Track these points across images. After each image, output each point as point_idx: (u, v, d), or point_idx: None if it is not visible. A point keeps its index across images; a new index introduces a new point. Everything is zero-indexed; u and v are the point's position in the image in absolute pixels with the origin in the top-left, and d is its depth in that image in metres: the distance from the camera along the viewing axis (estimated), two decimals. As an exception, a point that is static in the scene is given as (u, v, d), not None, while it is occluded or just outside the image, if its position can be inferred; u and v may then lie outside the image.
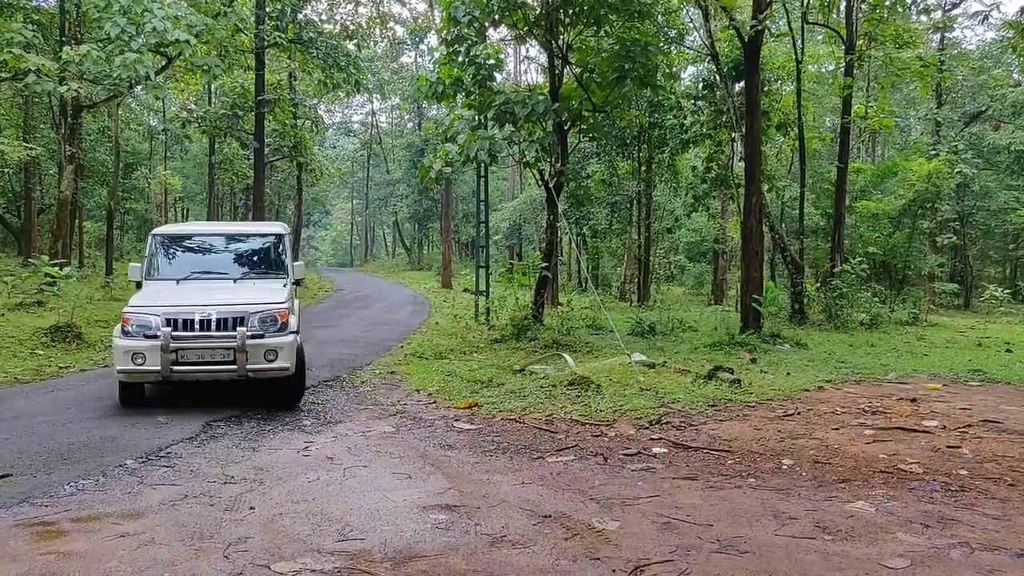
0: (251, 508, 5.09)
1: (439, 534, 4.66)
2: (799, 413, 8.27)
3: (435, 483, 5.80)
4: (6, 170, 26.54)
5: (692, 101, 20.63)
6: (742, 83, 17.67)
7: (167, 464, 6.08)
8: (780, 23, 20.11)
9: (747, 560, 4.31)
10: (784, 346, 13.57)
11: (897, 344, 14.86)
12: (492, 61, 13.92)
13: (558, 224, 16.18)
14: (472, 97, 14.44)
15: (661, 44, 15.50)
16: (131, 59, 12.96)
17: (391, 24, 37.06)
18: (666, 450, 6.79)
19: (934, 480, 5.92)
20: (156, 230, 9.29)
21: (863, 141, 31.91)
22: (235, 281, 8.73)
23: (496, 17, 13.81)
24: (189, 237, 9.41)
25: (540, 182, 16.20)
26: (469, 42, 13.85)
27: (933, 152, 26.91)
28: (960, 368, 11.74)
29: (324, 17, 27.30)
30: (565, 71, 15.21)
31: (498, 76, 14.82)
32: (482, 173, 18.08)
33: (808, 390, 9.64)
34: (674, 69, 19.83)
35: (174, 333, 7.54)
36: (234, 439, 6.94)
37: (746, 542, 4.59)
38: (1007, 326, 19.80)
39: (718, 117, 19.41)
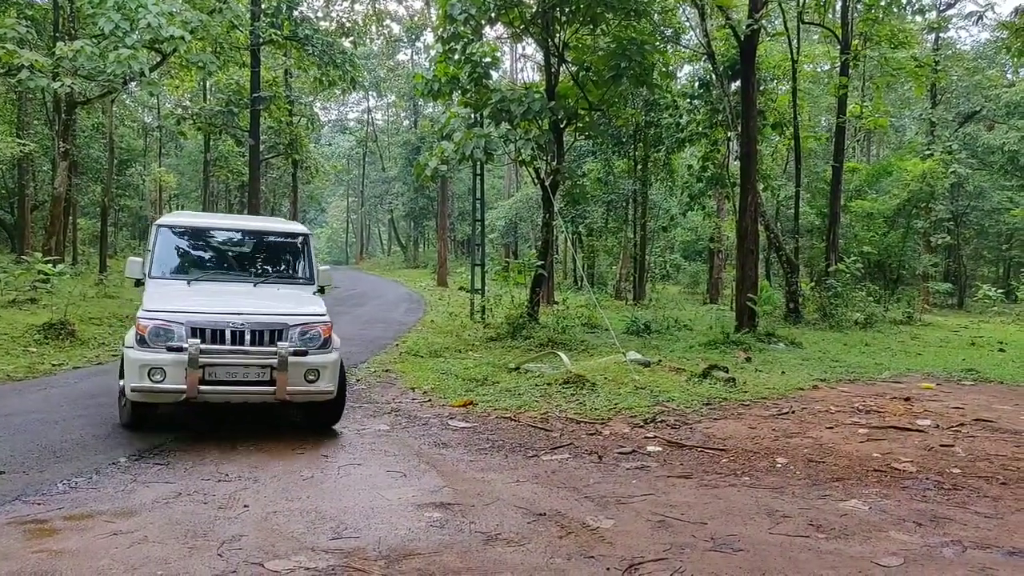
0: (245, 506, 5.07)
1: (433, 532, 4.66)
2: (793, 412, 8.29)
3: (429, 481, 5.79)
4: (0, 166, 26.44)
5: (688, 100, 20.65)
6: (738, 82, 17.69)
7: (161, 462, 6.06)
8: (776, 22, 20.12)
9: (741, 558, 4.32)
10: (779, 345, 13.59)
11: (891, 343, 14.91)
12: (488, 59, 13.91)
13: (554, 222, 16.18)
14: (468, 95, 14.43)
15: (657, 43, 15.50)
16: (125, 55, 12.91)
17: (387, 21, 37.05)
18: (661, 448, 6.79)
19: (927, 479, 5.94)
20: (161, 220, 7.98)
21: (858, 141, 31.98)
22: (255, 285, 7.59)
23: (492, 15, 13.80)
24: (201, 231, 8.10)
25: (536, 180, 16.20)
26: (465, 40, 13.84)
27: (928, 152, 26.97)
28: (954, 367, 11.78)
29: (320, 14, 27.30)
30: (561, 69, 15.21)
31: (494, 74, 14.81)
32: (478, 171, 18.07)
33: (803, 389, 9.67)
34: (670, 68, 19.83)
35: (202, 346, 6.38)
36: (228, 436, 6.90)
37: (740, 540, 4.59)
38: (1000, 326, 19.88)
39: (714, 116, 19.43)
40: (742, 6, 17.00)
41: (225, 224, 8.55)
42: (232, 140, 26.45)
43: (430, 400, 8.84)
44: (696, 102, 20.30)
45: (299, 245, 8.23)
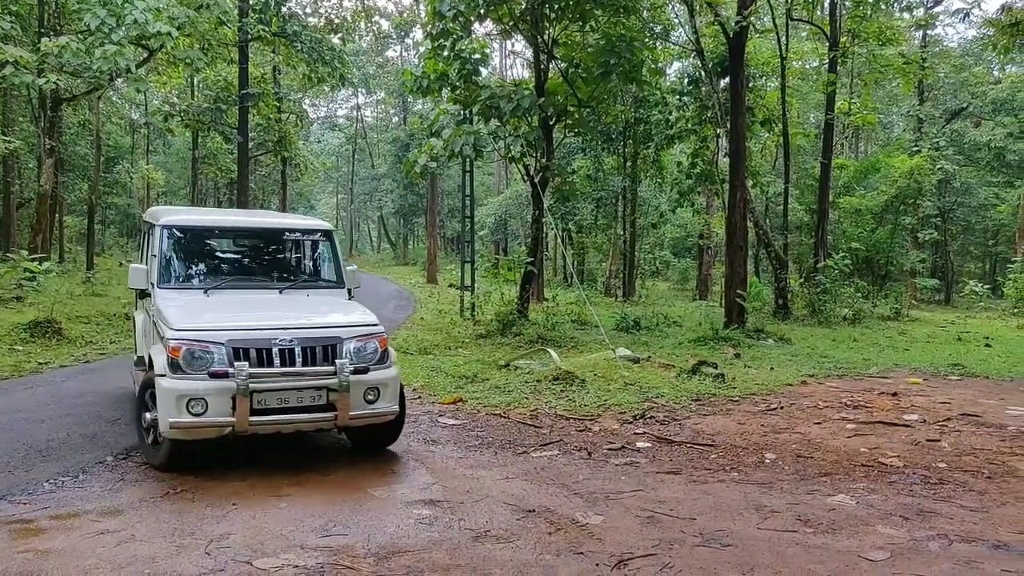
0: (233, 504, 5.05)
1: (422, 529, 4.65)
2: (782, 407, 8.33)
3: (419, 478, 5.79)
4: (-16, 163, 26.18)
5: (677, 97, 20.68)
6: (727, 79, 17.72)
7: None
8: (765, 19, 20.18)
9: (729, 553, 4.34)
10: (768, 341, 13.65)
11: (879, 339, 15.00)
12: (477, 55, 13.88)
13: (543, 219, 16.19)
14: (457, 91, 14.40)
15: (646, 39, 15.52)
16: (111, 51, 12.81)
17: (376, 18, 36.91)
18: (650, 444, 6.81)
19: (914, 473, 5.98)
20: (163, 219, 6.79)
21: (847, 137, 32.16)
22: (280, 292, 6.71)
23: (481, 11, 13.78)
24: (210, 231, 7.13)
25: (526, 177, 16.20)
26: (454, 36, 13.80)
27: (915, 148, 27.15)
28: (940, 362, 11.87)
29: (308, 11, 27.17)
30: (551, 66, 15.20)
31: (483, 71, 14.78)
32: (467, 168, 18.04)
33: (791, 385, 9.72)
34: (659, 65, 19.89)
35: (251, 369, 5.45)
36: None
37: (728, 535, 4.61)
38: (986, 321, 20.04)
39: (703, 113, 19.46)
40: (731, 3, 17.03)
41: (237, 222, 7.58)
42: (220, 137, 26.34)
43: (419, 397, 8.82)
44: (685, 99, 20.34)
45: (322, 243, 7.29)
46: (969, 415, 8.01)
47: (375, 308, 6.97)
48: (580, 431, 7.25)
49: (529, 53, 17.16)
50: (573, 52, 14.80)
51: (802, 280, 19.86)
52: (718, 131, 19.51)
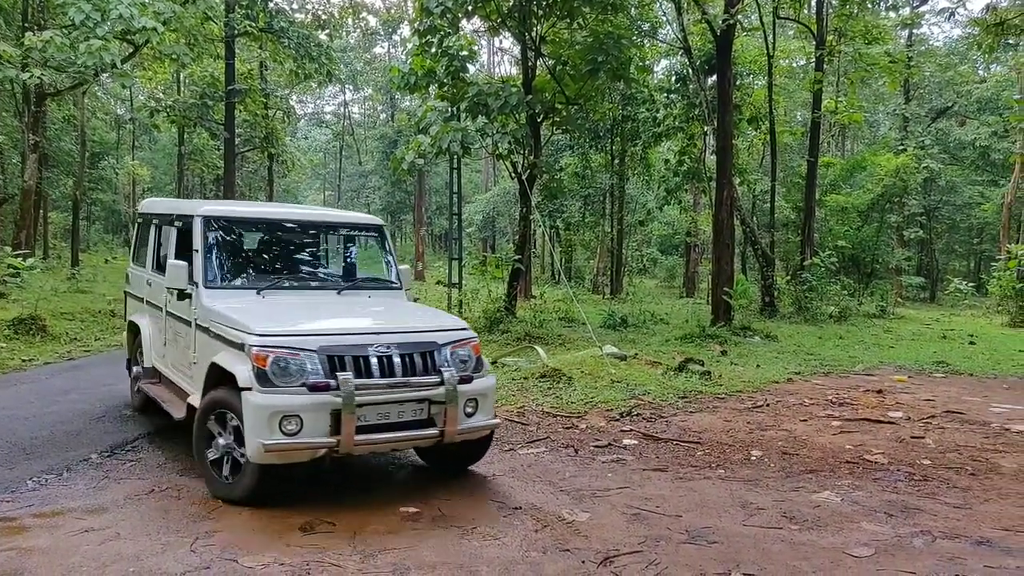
0: (219, 502, 5.03)
1: (408, 526, 4.65)
2: (768, 405, 8.37)
3: (405, 475, 5.78)
4: (-33, 159, 25.88)
5: (665, 94, 20.73)
6: (714, 77, 17.78)
7: (133, 458, 5.98)
8: (752, 18, 20.24)
9: (715, 550, 4.36)
10: (754, 338, 13.72)
11: (865, 336, 15.10)
12: (465, 52, 13.84)
13: (531, 217, 16.18)
14: (445, 88, 14.36)
15: (634, 37, 15.51)
16: (96, 46, 12.67)
17: (364, 14, 36.72)
18: (636, 442, 6.83)
19: (898, 470, 6.03)
20: (201, 209, 5.99)
21: (833, 136, 32.32)
22: (339, 293, 6.17)
23: (469, 8, 13.74)
24: (256, 224, 6.45)
25: (513, 174, 16.18)
26: (442, 33, 13.75)
27: (901, 147, 27.34)
28: (925, 360, 11.97)
29: (295, 6, 26.93)
30: (538, 63, 15.19)
31: (471, 67, 14.75)
32: (455, 165, 17.99)
33: (777, 382, 9.77)
34: (647, 62, 19.91)
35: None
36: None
37: (714, 532, 4.64)
38: (971, 319, 20.23)
39: (690, 111, 19.52)
40: (718, 1, 17.07)
41: (285, 214, 6.70)
42: (207, 133, 26.16)
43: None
44: (673, 96, 20.39)
45: (376, 240, 6.79)
46: (953, 412, 8.08)
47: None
48: (567, 428, 7.26)
49: (517, 50, 17.14)
50: (561, 49, 14.80)
51: (789, 278, 19.96)
52: (705, 129, 19.58)
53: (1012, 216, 23.09)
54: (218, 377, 5.06)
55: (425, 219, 38.57)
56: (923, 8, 29.07)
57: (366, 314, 5.86)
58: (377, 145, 48.38)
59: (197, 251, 5.74)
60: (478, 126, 14.26)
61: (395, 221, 52.96)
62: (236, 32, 21.84)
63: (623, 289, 26.07)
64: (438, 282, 27.50)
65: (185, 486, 5.32)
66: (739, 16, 14.95)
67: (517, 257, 15.07)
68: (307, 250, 6.70)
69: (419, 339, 5.18)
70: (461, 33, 14.62)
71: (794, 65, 26.13)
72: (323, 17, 25.66)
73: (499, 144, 14.17)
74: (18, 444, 6.23)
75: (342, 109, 58.40)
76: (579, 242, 29.88)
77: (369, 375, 4.85)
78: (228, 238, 6.07)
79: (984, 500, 5.33)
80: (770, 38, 19.23)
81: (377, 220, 6.99)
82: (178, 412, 5.78)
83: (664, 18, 21.41)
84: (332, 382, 4.72)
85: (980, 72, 32.21)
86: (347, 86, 52.62)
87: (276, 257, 6.45)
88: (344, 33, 33.19)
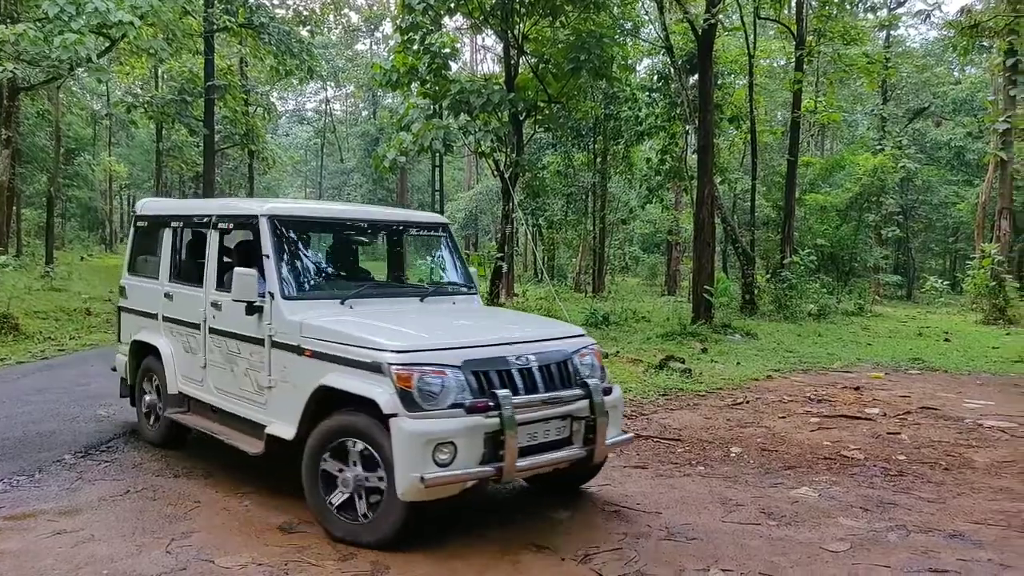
0: (196, 502, 4.98)
1: (389, 526, 4.62)
2: (748, 402, 8.43)
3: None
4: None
5: (647, 93, 20.78)
6: (696, 76, 17.85)
7: (108, 459, 5.90)
8: (733, 17, 20.34)
9: (694, 547, 4.38)
10: (735, 336, 13.81)
11: (843, 334, 15.25)
12: (447, 50, 13.81)
13: (514, 215, 16.18)
14: (427, 86, 14.33)
15: (616, 36, 15.56)
16: (71, 40, 12.47)
17: (345, 10, 36.56)
18: (617, 439, 6.84)
19: (874, 465, 6.09)
20: (265, 208, 5.20)
21: (812, 135, 32.60)
22: (422, 300, 5.61)
23: (451, 5, 13.73)
24: (326, 224, 5.90)
25: (496, 172, 16.17)
26: (424, 30, 13.72)
27: (879, 147, 27.62)
28: (901, 357, 12.11)
29: (276, 1, 26.76)
30: (521, 61, 15.19)
31: (453, 65, 14.73)
32: (437, 163, 17.98)
33: (757, 379, 9.84)
34: (629, 61, 19.95)
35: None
36: (180, 432, 6.76)
37: (693, 529, 4.66)
38: (946, 316, 20.49)
39: (672, 110, 19.59)
40: (699, 0, 17.14)
41: (350, 214, 6.05)
42: (186, 130, 25.85)
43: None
44: (655, 95, 20.45)
45: (444, 241, 6.21)
46: (928, 408, 8.18)
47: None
48: (548, 426, 7.25)
49: (499, 48, 17.13)
50: (543, 47, 14.83)
51: (769, 276, 20.10)
52: (687, 128, 19.66)
53: (986, 215, 23.40)
54: (323, 402, 4.45)
55: (407, 217, 38.34)
56: (900, 10, 29.42)
57: (480, 323, 5.35)
58: (359, 142, 48.20)
59: (267, 257, 4.96)
60: (460, 124, 14.24)
61: (377, 219, 52.73)
62: (215, 27, 21.62)
63: (605, 287, 26.15)
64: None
65: (161, 487, 5.26)
66: (720, 16, 15.04)
67: (499, 255, 15.07)
68: (382, 253, 6.25)
69: (554, 348, 4.71)
70: (443, 30, 14.58)
71: (774, 65, 26.34)
72: (304, 13, 25.52)
73: (481, 142, 14.15)
74: (-10, 444, 6.13)
75: (324, 106, 58.08)
76: (561, 240, 29.92)
77: (515, 391, 4.29)
78: (299, 241, 5.35)
79: (957, 494, 5.39)
80: (751, 38, 19.35)
81: (442, 218, 6.43)
82: (253, 447, 4.94)
83: (646, 17, 21.48)
84: (488, 401, 4.15)
85: (955, 74, 32.65)
86: (329, 83, 52.31)
87: (350, 262, 5.93)
88: (326, 29, 33.00)
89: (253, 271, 4.92)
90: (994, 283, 18.02)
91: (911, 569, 4.11)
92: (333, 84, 53.45)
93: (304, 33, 24.36)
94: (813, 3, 19.37)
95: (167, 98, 23.52)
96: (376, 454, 4.17)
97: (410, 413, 4.03)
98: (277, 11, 24.45)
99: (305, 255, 5.42)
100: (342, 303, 5.05)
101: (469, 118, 13.97)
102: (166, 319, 6.05)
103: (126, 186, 42.63)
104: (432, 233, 6.28)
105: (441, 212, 18.00)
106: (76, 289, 17.75)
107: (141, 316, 6.41)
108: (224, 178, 36.09)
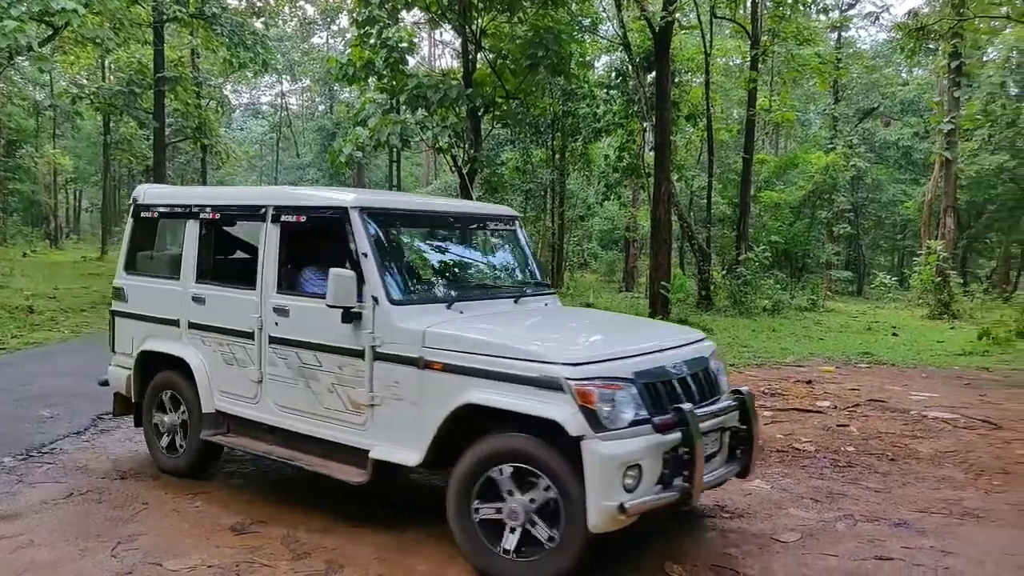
0: (144, 504, 4.85)
1: (345, 523, 4.56)
2: (703, 396, 8.52)
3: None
4: None
5: (605, 90, 20.90)
6: (653, 74, 18.01)
7: (51, 461, 5.71)
8: (690, 16, 20.58)
9: (650, 542, 4.41)
10: (690, 331, 13.96)
11: (796, 329, 15.56)
12: (405, 44, 13.71)
13: (472, 210, 16.09)
14: (384, 80, 14.20)
15: (574, 32, 15.60)
16: (10, 27, 12.02)
17: (301, 2, 36.01)
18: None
19: (824, 457, 6.22)
20: (349, 199, 4.60)
21: (767, 133, 33.17)
22: (516, 302, 5.09)
23: (408, -1, 13.62)
24: (418, 217, 5.35)
25: (454, 168, 16.10)
26: (381, 24, 13.59)
27: (830, 146, 28.20)
28: (851, 351, 12.40)
29: (229, -9, 26.18)
30: (479, 57, 15.14)
31: (411, 60, 14.64)
32: (395, 158, 17.83)
33: (712, 373, 9.95)
34: (587, 58, 20.04)
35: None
36: (129, 431, 6.56)
37: (648, 522, 4.69)
38: (894, 311, 21.06)
39: (630, 107, 19.73)
40: (657, -1, 17.29)
41: (437, 208, 5.67)
42: (135, 122, 25.18)
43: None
44: (612, 92, 20.56)
45: (517, 234, 5.68)
46: (876, 401, 8.39)
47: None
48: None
49: (457, 43, 17.04)
50: (501, 43, 14.81)
51: (724, 272, 20.40)
52: (644, 125, 19.83)
53: (932, 213, 24.10)
54: (457, 422, 3.96)
55: (365, 213, 37.92)
56: (851, 12, 30.09)
57: (616, 328, 5.03)
58: (315, 137, 47.54)
59: (365, 256, 4.36)
60: (418, 119, 14.14)
61: (334, 215, 52.09)
62: (165, 17, 21.08)
63: (564, 283, 26.25)
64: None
65: (107, 489, 5.11)
66: (677, 14, 15.18)
67: (457, 251, 15.00)
68: (470, 251, 5.63)
69: (698, 354, 4.37)
70: (401, 25, 14.46)
71: (730, 64, 26.70)
72: (258, 4, 25.03)
73: (439, 138, 14.08)
74: (-75, 447, 5.89)
75: (279, 100, 57.13)
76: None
77: (676, 402, 3.93)
78: (394, 238, 4.80)
79: (903, 484, 5.54)
80: (707, 37, 19.59)
81: (511, 210, 5.96)
82: (354, 475, 4.34)
83: (604, 14, 21.58)
84: (673, 418, 3.79)
85: (903, 75, 33.53)
86: (284, 76, 51.43)
87: (451, 261, 5.41)
88: (281, 22, 32.44)
89: (351, 273, 4.30)
90: (939, 279, 18.55)
91: (858, 557, 4.21)
92: (289, 78, 52.56)
93: (258, 25, 23.87)
94: (768, 3, 19.69)
95: (114, 89, 22.88)
96: (550, 482, 3.68)
97: (598, 435, 3.59)
98: (230, 2, 23.92)
99: (403, 254, 4.90)
100: (448, 307, 4.54)
101: (427, 113, 13.89)
102: (195, 326, 5.21)
103: (72, 180, 41.33)
104: (507, 227, 5.66)
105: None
106: (18, 286, 17.14)
107: (151, 322, 5.49)
108: (176, 172, 35.26)
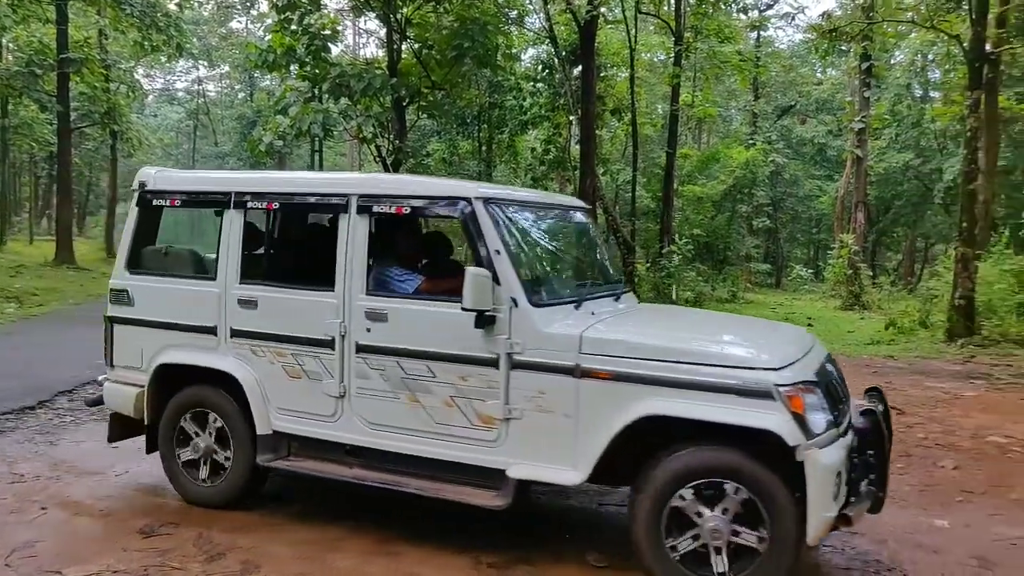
0: (43, 509, 4.56)
1: (262, 522, 4.40)
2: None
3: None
4: None
5: (531, 83, 20.93)
6: (579, 68, 18.13)
7: (-61, 465, 5.32)
8: (616, 11, 20.79)
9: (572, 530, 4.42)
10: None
11: (716, 319, 15.96)
12: (327, 31, 13.39)
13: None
14: (306, 68, 13.84)
15: (501, 24, 15.54)
16: None
17: (219, -15, 34.69)
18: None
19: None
20: (476, 191, 4.15)
21: (690, 128, 33.90)
22: (616, 299, 4.65)
23: (331, -16, 13.27)
24: (536, 208, 4.78)
25: (378, 159, 15.83)
26: (302, 10, 13.22)
27: (751, 141, 29.07)
28: (769, 340, 12.79)
29: (139, -30, 25.00)
30: (404, 47, 14.91)
31: (334, 48, 14.30)
32: (317, 148, 17.41)
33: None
34: (513, 50, 20.03)
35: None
36: (27, 432, 6.19)
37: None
38: (810, 302, 21.90)
39: (556, 100, 19.82)
40: (582, -8, 17.38)
41: (546, 199, 5.23)
42: (35, 105, 23.78)
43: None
44: (539, 85, 20.62)
45: (591, 227, 5.38)
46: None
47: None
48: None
49: (382, 32, 16.73)
50: (427, 33, 14.61)
51: (648, 265, 20.76)
52: (570, 118, 19.96)
53: (844, 208, 25.16)
54: (621, 436, 3.61)
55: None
56: (769, 12, 31.04)
57: (747, 326, 4.86)
58: (234, 125, 46.04)
59: (498, 253, 3.92)
60: (341, 108, 13.84)
61: (255, 206, 50.62)
62: (69, -5, 19.98)
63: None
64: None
65: (3, 493, 4.78)
66: (602, 8, 15.31)
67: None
68: (566, 245, 5.13)
69: (828, 355, 4.24)
70: (323, 11, 14.08)
71: (655, 59, 27.15)
72: (172, -15, 23.98)
73: (363, 127, 13.82)
74: None
75: (196, 86, 55.05)
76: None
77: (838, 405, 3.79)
78: (520, 232, 4.27)
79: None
80: (632, 32, 19.84)
81: (582, 202, 5.58)
82: (496, 499, 3.84)
83: (531, 6, 21.58)
84: (866, 422, 3.73)
85: (818, 75, 34.86)
86: (201, 62, 49.58)
87: (563, 257, 4.97)
88: (196, 4, 31.20)
89: (488, 272, 3.82)
90: (851, 271, 19.38)
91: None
92: (206, 63, 50.72)
93: (172, 7, 22.92)
94: (691, 1, 20.08)
95: (12, 70, 21.53)
96: (755, 497, 3.43)
97: (809, 442, 3.39)
98: (141, -19, 22.84)
99: (524, 248, 4.26)
100: (577, 307, 4.09)
101: (350, 102, 13.60)
102: (241, 334, 4.47)
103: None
104: (587, 220, 5.35)
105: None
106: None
107: (172, 330, 4.66)
108: (84, 159, 33.54)
